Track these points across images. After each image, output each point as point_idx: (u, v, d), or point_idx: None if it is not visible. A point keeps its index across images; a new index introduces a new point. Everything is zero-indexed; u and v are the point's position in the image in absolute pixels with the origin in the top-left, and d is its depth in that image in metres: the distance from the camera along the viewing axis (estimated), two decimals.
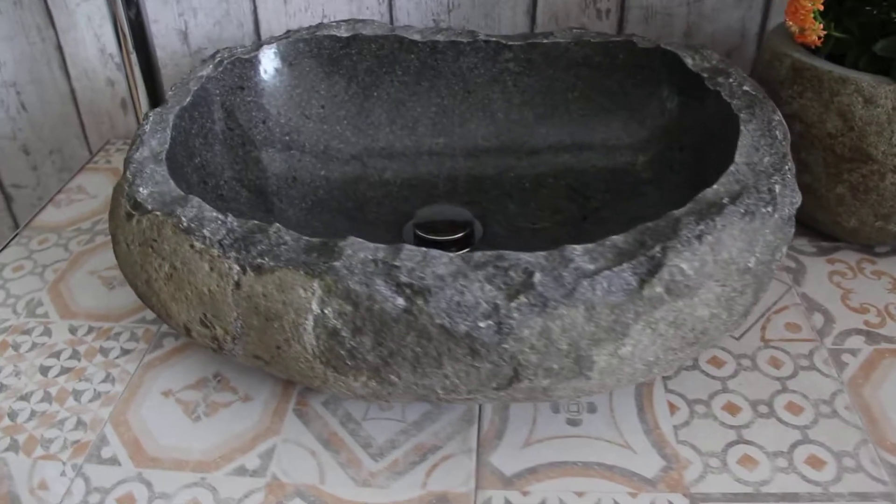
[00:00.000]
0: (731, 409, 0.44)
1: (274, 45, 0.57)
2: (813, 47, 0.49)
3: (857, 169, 0.49)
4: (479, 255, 0.36)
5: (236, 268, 0.38)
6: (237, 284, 0.38)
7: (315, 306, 0.36)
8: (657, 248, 0.35)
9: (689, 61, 0.51)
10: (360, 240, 0.37)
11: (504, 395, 0.38)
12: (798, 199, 0.40)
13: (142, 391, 0.47)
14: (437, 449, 0.43)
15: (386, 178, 0.56)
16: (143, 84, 0.60)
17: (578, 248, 0.36)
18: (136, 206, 0.42)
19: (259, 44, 0.57)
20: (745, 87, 0.47)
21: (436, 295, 0.35)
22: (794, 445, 0.42)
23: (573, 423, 0.44)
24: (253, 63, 0.57)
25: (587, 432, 0.43)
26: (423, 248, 0.36)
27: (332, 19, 0.67)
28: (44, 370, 0.49)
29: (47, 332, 0.52)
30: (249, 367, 0.48)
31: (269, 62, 0.57)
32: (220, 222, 0.39)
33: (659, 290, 0.35)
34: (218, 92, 0.54)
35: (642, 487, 0.40)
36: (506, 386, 0.37)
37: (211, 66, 0.55)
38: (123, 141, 0.75)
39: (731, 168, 0.40)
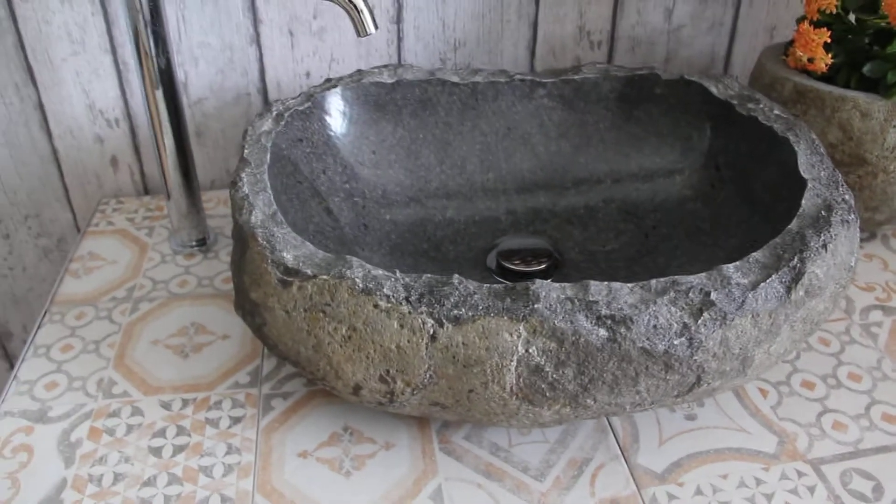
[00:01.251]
0: (808, 385, 0.52)
1: (327, 95, 0.58)
2: (819, 73, 0.58)
3: (853, 171, 0.59)
4: (655, 283, 0.41)
5: (430, 322, 0.40)
6: (433, 337, 0.40)
7: (520, 348, 0.39)
8: (796, 260, 0.42)
9: (713, 90, 0.58)
10: (547, 282, 0.40)
11: (678, 401, 0.43)
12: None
13: (276, 456, 0.47)
14: (588, 461, 0.47)
15: (449, 216, 0.59)
16: (173, 137, 0.59)
17: (731, 266, 0.42)
18: (290, 272, 0.42)
19: (310, 94, 0.58)
20: (776, 111, 0.55)
21: (636, 322, 0.39)
22: (867, 407, 0.50)
23: (690, 418, 0.50)
24: (307, 115, 0.57)
25: (705, 424, 0.49)
26: (611, 283, 0.40)
27: (341, 62, 0.69)
28: (155, 451, 0.48)
29: (138, 412, 0.50)
30: (378, 414, 0.50)
31: (323, 113, 0.58)
32: (392, 279, 0.41)
33: (801, 293, 0.42)
34: (284, 146, 0.55)
35: (770, 462, 0.46)
36: (686, 392, 0.42)
37: (271, 120, 0.55)
38: (118, 200, 0.71)
39: (809, 185, 0.47)
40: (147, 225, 0.68)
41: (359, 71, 0.61)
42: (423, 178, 0.61)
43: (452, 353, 0.40)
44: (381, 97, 0.60)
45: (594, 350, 0.39)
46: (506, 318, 0.39)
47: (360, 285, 0.41)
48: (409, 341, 0.40)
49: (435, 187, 0.60)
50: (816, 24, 0.58)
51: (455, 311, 0.40)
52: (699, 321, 0.40)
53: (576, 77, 0.61)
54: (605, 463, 0.47)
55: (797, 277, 0.42)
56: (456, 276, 0.41)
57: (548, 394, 0.41)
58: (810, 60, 0.57)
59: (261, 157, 0.52)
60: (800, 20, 0.60)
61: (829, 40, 0.55)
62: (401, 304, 0.40)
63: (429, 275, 0.41)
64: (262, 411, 0.50)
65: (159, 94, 0.57)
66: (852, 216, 0.46)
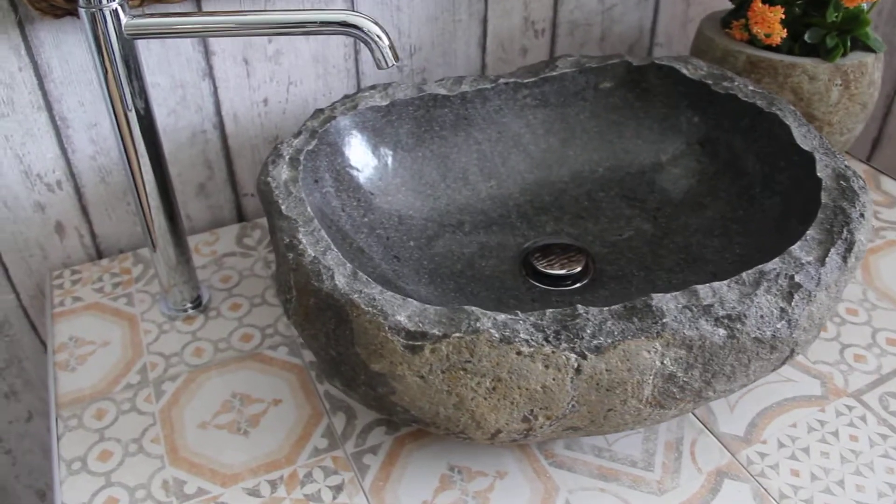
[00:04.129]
0: (825, 328, 0.59)
1: (330, 128, 0.55)
2: (773, 45, 0.64)
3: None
4: (746, 276, 0.44)
5: (573, 356, 0.41)
6: (577, 370, 0.41)
7: (657, 361, 0.42)
8: (845, 232, 0.47)
9: (685, 71, 0.62)
10: (660, 294, 0.43)
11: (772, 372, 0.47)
12: None
13: None
14: (680, 440, 0.51)
15: (468, 231, 0.59)
16: (156, 186, 0.53)
17: (795, 246, 0.46)
18: (415, 335, 0.41)
19: (313, 130, 0.55)
20: (751, 87, 0.60)
21: (748, 316, 0.43)
22: (873, 336, 0.58)
23: None
24: (317, 153, 0.54)
25: (758, 382, 0.55)
26: (713, 284, 0.44)
27: (300, 84, 0.65)
28: None
29: None
30: (475, 446, 0.50)
31: (329, 148, 0.55)
32: (520, 321, 0.42)
33: (853, 260, 0.47)
34: (305, 193, 0.52)
35: (822, 403, 0.53)
36: (780, 365, 0.46)
37: (287, 166, 0.52)
38: (70, 270, 0.63)
39: (817, 157, 0.53)
40: (121, 293, 0.62)
41: (348, 97, 0.58)
42: (431, 197, 0.60)
43: (596, 380, 0.41)
44: (378, 121, 0.58)
45: (717, 349, 0.42)
46: (643, 338, 0.41)
47: (497, 335, 0.41)
48: (553, 379, 0.41)
49: (444, 204, 0.60)
50: (769, 2, 0.64)
51: (595, 342, 0.41)
52: (792, 303, 0.44)
53: (553, 74, 0.63)
54: (696, 439, 0.51)
55: (850, 247, 0.47)
56: (579, 305, 0.42)
57: (677, 395, 0.43)
58: (767, 35, 0.62)
59: (301, 210, 0.49)
60: None
61: (783, 16, 0.61)
62: (542, 345, 0.41)
63: (550, 309, 0.42)
64: (359, 473, 0.49)
65: (137, 134, 0.51)
66: (862, 181, 0.52)
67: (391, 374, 0.42)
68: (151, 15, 0.48)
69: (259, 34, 0.47)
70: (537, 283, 0.57)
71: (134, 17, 0.48)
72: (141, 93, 0.50)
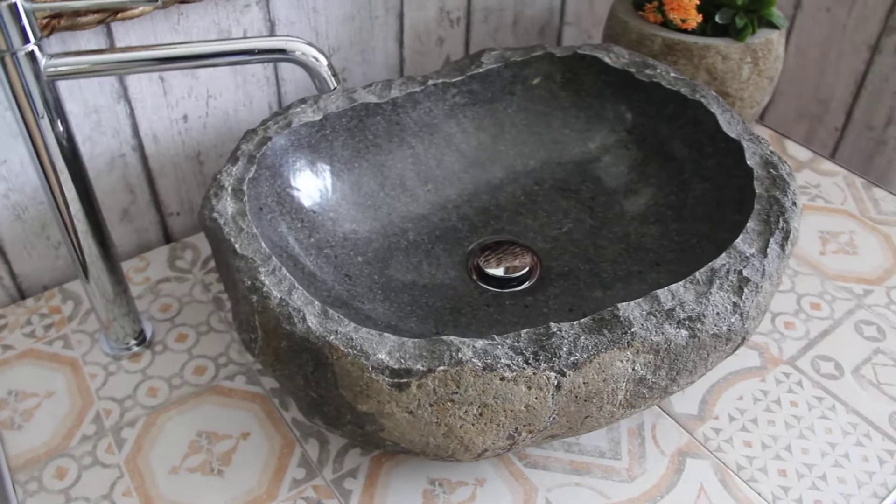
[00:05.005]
0: None
1: (267, 150, 0.54)
2: (688, 29, 0.66)
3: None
4: (699, 275, 0.47)
5: (553, 375, 0.42)
6: (558, 387, 0.43)
7: (629, 368, 0.44)
8: (781, 221, 0.51)
9: (607, 60, 0.64)
10: (625, 303, 0.45)
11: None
12: None
13: None
14: (641, 427, 0.54)
15: (412, 239, 0.59)
16: (86, 219, 0.50)
17: (738, 240, 0.49)
18: (399, 373, 0.41)
19: (251, 156, 0.53)
20: (673, 74, 0.62)
21: (707, 315, 0.45)
22: (798, 301, 0.63)
23: None
24: (258, 179, 0.53)
25: None
26: (671, 287, 0.46)
27: (219, 97, 0.62)
28: None
29: None
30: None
31: (268, 171, 0.54)
32: (498, 346, 0.43)
33: (790, 247, 0.51)
34: (257, 227, 0.50)
35: (762, 373, 0.57)
36: (732, 353, 0.50)
37: (231, 199, 0.50)
38: None
39: (745, 145, 0.56)
40: (56, 335, 0.58)
41: (279, 113, 0.56)
42: (372, 208, 0.59)
43: (575, 393, 0.43)
44: (313, 136, 0.57)
45: (681, 349, 0.45)
46: (615, 349, 0.43)
47: (480, 364, 0.42)
48: (536, 398, 0.43)
49: (386, 214, 0.60)
50: None
51: (572, 358, 0.43)
52: (742, 297, 0.47)
53: (480, 70, 0.63)
54: (655, 423, 0.54)
55: (787, 236, 0.50)
56: (552, 323, 0.44)
57: (647, 395, 0.46)
58: (683, 21, 0.64)
59: (256, 247, 0.48)
60: None
61: (699, 2, 0.63)
62: (524, 368, 0.42)
63: (525, 330, 0.43)
64: (342, 499, 0.49)
65: (61, 165, 0.47)
66: (788, 167, 0.55)
67: (379, 413, 0.42)
68: (71, 54, 0.44)
69: (191, 67, 0.45)
70: (488, 287, 0.58)
71: (52, 57, 0.44)
72: (65, 134, 0.47)
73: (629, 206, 0.62)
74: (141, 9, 0.55)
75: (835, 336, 0.59)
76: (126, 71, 0.45)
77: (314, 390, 0.44)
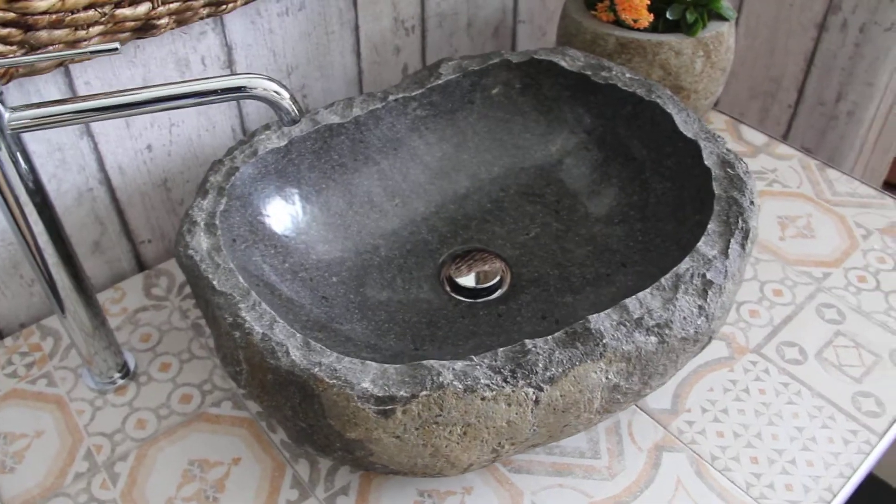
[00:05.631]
0: None
1: (236, 182, 0.54)
2: (640, 28, 0.67)
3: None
4: (664, 281, 0.49)
5: (531, 391, 0.44)
6: (536, 402, 0.44)
7: (603, 378, 0.46)
8: (740, 221, 0.52)
9: (563, 64, 0.65)
10: (595, 315, 0.46)
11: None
12: None
13: None
14: (618, 425, 0.56)
15: (384, 255, 0.60)
16: (57, 254, 0.50)
17: (700, 243, 0.51)
18: (384, 400, 0.43)
19: (220, 188, 0.53)
20: (628, 75, 0.63)
21: (674, 321, 0.47)
22: (761, 289, 0.65)
23: None
24: (229, 211, 0.53)
25: None
26: (638, 295, 0.48)
27: (181, 124, 0.62)
28: None
29: None
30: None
31: (238, 202, 0.54)
32: (477, 366, 0.44)
33: (750, 246, 0.53)
34: (233, 261, 0.51)
35: (730, 364, 0.59)
36: (700, 351, 0.52)
37: (204, 233, 0.51)
38: None
39: (701, 145, 0.58)
40: (38, 373, 0.59)
41: (244, 142, 0.57)
42: (342, 227, 0.60)
43: (553, 406, 0.45)
44: (280, 162, 0.57)
45: (651, 355, 0.47)
46: (589, 361, 0.45)
47: (461, 386, 0.43)
48: (516, 413, 0.44)
49: (356, 232, 0.61)
50: None
51: (548, 373, 0.44)
52: (707, 299, 0.49)
53: (439, 82, 0.64)
54: (631, 419, 0.56)
55: (746, 235, 0.52)
56: (527, 340, 0.45)
57: (622, 400, 0.48)
58: (635, 21, 0.65)
59: (234, 282, 0.48)
60: None
61: (650, 2, 0.64)
62: (503, 386, 0.44)
63: (501, 349, 0.45)
64: None
65: (27, 203, 0.48)
66: (745, 165, 0.57)
67: (368, 439, 0.44)
68: (33, 106, 0.44)
69: (154, 111, 0.45)
70: (461, 298, 0.59)
71: (14, 110, 0.44)
72: (30, 175, 0.47)
73: (593, 208, 0.63)
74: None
75: (797, 321, 0.62)
76: (90, 119, 0.45)
77: (303, 420, 0.45)
